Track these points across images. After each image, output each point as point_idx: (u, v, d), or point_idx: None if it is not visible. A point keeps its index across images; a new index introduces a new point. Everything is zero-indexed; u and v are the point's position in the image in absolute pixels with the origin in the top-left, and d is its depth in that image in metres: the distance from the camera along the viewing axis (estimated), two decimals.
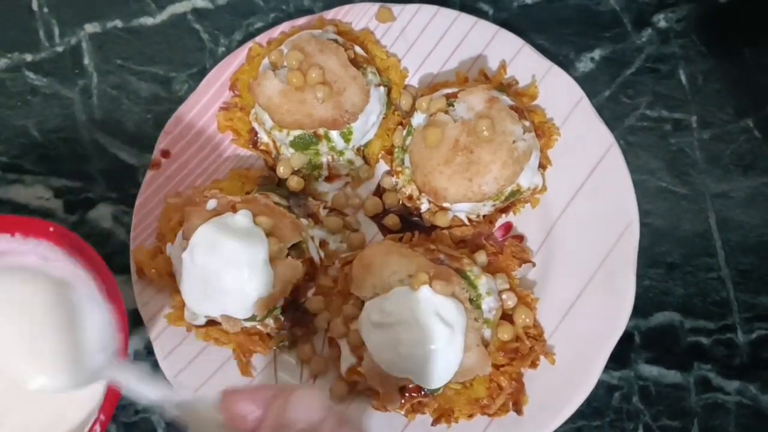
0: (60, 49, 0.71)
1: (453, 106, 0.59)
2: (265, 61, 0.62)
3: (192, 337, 0.58)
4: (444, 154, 0.58)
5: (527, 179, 0.59)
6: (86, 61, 0.71)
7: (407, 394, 0.55)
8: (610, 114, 0.65)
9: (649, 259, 0.61)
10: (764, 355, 0.59)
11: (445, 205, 0.60)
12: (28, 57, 0.71)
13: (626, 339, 0.58)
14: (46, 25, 0.72)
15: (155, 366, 0.58)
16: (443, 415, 0.55)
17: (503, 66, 0.64)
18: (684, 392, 0.58)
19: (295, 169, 0.62)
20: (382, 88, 0.63)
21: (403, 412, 0.56)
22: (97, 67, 0.71)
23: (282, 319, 0.58)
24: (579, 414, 0.55)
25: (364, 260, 0.57)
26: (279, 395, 0.33)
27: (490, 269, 0.58)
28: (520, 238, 0.61)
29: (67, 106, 0.69)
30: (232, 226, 0.54)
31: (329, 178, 0.64)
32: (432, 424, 0.56)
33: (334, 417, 0.32)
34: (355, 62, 0.61)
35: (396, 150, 0.63)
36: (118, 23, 0.72)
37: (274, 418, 0.33)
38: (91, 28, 0.72)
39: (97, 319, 0.45)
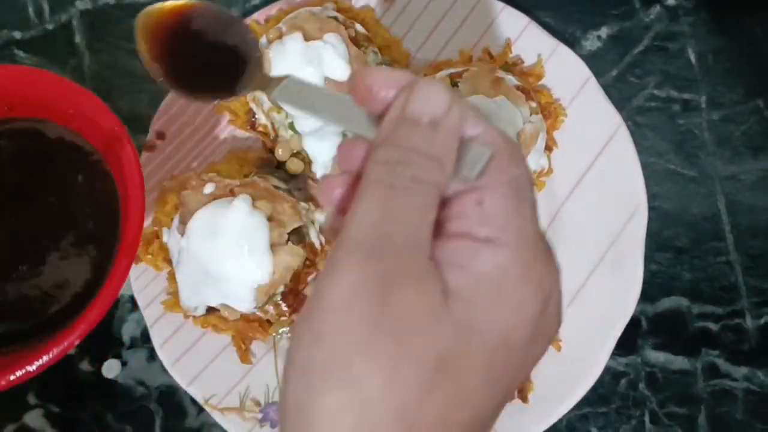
0: (50, 26, 0.69)
1: (457, 86, 0.58)
2: (263, 39, 0.60)
3: (189, 323, 0.57)
4: None
5: (534, 161, 0.57)
6: (77, 39, 0.69)
7: None
8: (618, 94, 0.63)
9: (656, 244, 0.60)
10: None
11: None
12: (18, 35, 0.69)
13: (633, 325, 0.57)
14: (36, 2, 0.70)
15: (153, 353, 0.57)
16: None
17: (508, 44, 0.62)
18: (691, 378, 0.57)
19: (295, 151, 0.61)
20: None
21: None
22: (89, 46, 0.68)
23: (282, 305, 0.57)
24: (585, 401, 0.55)
25: None
26: (405, 87, 0.31)
27: None
28: None
29: None
30: (231, 211, 0.53)
31: None
32: None
33: (459, 109, 0.30)
34: (355, 41, 0.59)
35: None
36: (110, 0, 0.70)
37: (400, 108, 0.30)
38: (82, 5, 0.70)
39: None
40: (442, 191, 0.29)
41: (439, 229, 0.30)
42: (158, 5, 0.46)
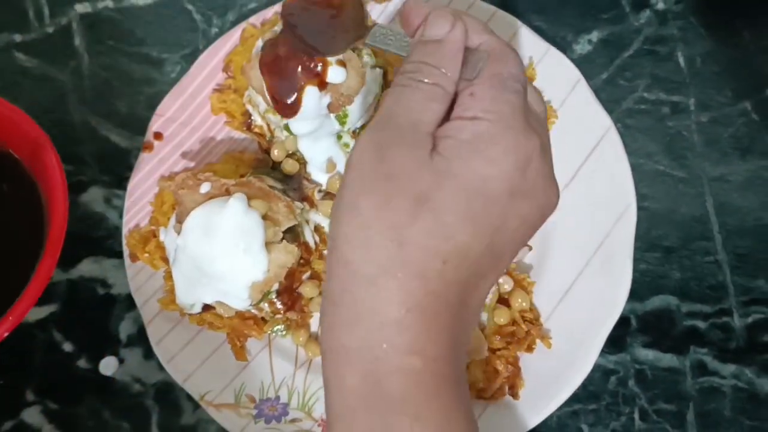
0: (50, 29, 0.70)
1: None
2: (259, 42, 0.61)
3: (185, 321, 0.58)
4: None
5: None
6: (77, 42, 0.70)
7: None
8: (608, 96, 0.64)
9: (645, 243, 0.61)
10: (760, 339, 0.59)
11: None
12: (18, 38, 0.70)
13: (622, 323, 0.57)
14: (36, 5, 0.71)
15: (149, 351, 0.58)
16: None
17: None
18: (680, 376, 0.58)
19: (290, 152, 0.62)
20: (378, 70, 0.62)
21: None
22: (88, 48, 0.69)
23: (277, 303, 0.58)
24: (575, 397, 0.55)
25: None
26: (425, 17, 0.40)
27: None
28: None
29: (57, 88, 0.68)
30: (227, 209, 0.54)
31: None
32: None
33: (461, 27, 0.39)
34: None
35: None
36: (109, 3, 0.71)
37: (419, 34, 0.40)
38: (81, 8, 0.71)
39: None
40: (447, 92, 0.38)
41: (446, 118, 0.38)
42: None
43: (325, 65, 0.56)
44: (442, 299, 0.35)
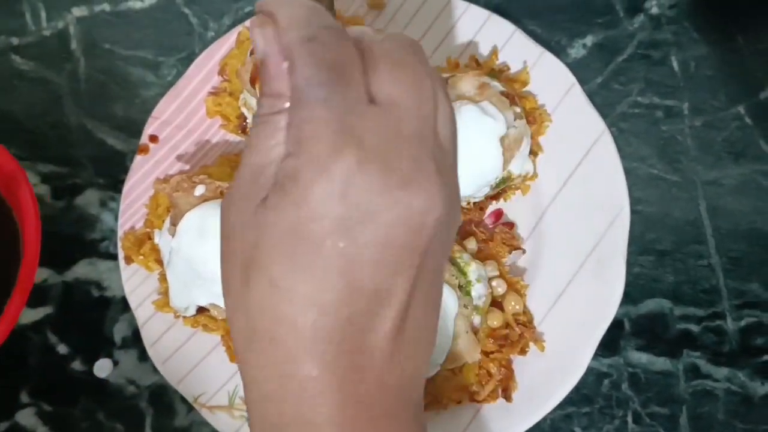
0: (47, 32, 0.71)
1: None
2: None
3: (180, 323, 0.58)
4: None
5: (518, 166, 0.58)
6: (73, 45, 0.70)
7: None
8: (602, 100, 0.64)
9: (639, 247, 0.61)
10: (753, 343, 0.59)
11: None
12: (15, 41, 0.70)
13: (616, 326, 0.58)
14: (33, 9, 0.71)
15: (143, 353, 0.58)
16: (432, 401, 0.55)
17: (495, 52, 0.64)
18: (673, 379, 0.58)
19: None
20: None
21: None
22: (85, 52, 0.70)
23: None
24: (568, 401, 0.55)
25: None
26: None
27: (480, 256, 0.58)
28: (511, 224, 0.61)
29: (54, 91, 0.68)
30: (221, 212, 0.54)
31: None
32: None
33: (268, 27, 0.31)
34: None
35: None
36: (106, 7, 0.71)
37: None
38: (78, 11, 0.71)
39: None
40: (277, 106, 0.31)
41: None
42: None
43: None
44: (316, 362, 0.28)
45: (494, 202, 0.61)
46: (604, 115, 0.61)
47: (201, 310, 0.57)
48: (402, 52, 0.31)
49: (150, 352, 0.58)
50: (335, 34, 0.30)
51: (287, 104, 0.30)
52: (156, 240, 0.59)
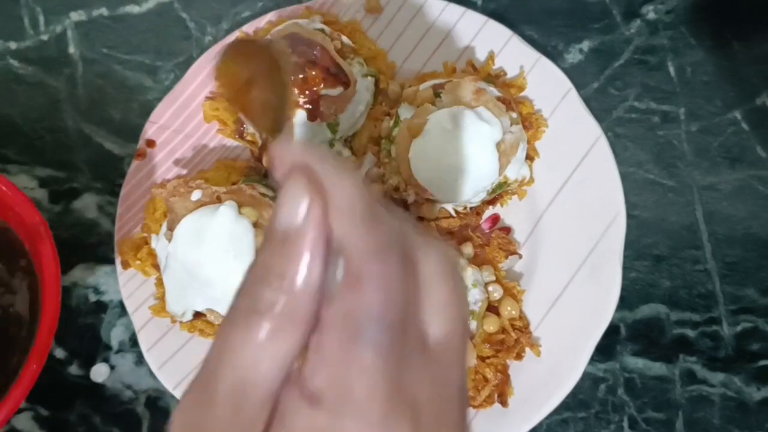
0: (45, 37, 0.71)
1: (440, 97, 0.59)
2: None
3: (176, 328, 0.58)
4: None
5: (514, 171, 0.58)
6: (71, 49, 0.70)
7: None
8: (598, 106, 0.64)
9: (635, 252, 0.61)
10: (749, 348, 0.59)
11: (431, 197, 0.59)
12: (13, 45, 0.70)
13: (612, 331, 0.58)
14: (31, 13, 0.71)
15: (140, 357, 0.58)
16: None
17: (491, 57, 0.64)
18: (669, 384, 0.58)
19: None
20: (369, 79, 0.62)
21: None
22: (83, 56, 0.70)
23: None
24: (564, 406, 0.56)
25: None
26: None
27: (477, 261, 0.58)
28: (507, 229, 0.61)
29: (51, 95, 0.68)
30: (217, 217, 0.54)
31: None
32: None
33: (316, 215, 0.25)
34: (342, 53, 0.61)
35: (383, 141, 0.62)
36: (104, 11, 0.71)
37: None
38: (76, 16, 0.71)
39: None
40: (297, 314, 0.25)
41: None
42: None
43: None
44: None
45: (491, 207, 0.61)
46: (600, 120, 0.61)
47: (198, 315, 0.57)
48: (449, 277, 0.26)
49: (147, 356, 0.58)
50: (397, 241, 0.25)
51: (296, 298, 0.24)
52: (153, 244, 0.59)
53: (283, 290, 0.24)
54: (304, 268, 0.24)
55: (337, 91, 0.58)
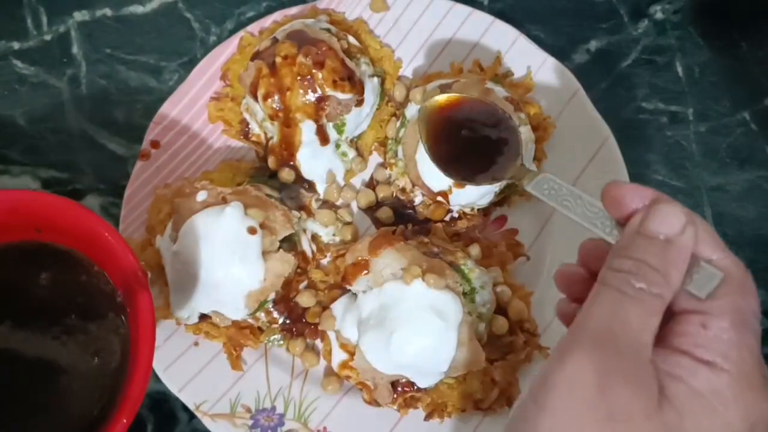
0: (48, 37, 0.70)
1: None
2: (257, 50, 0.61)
3: (181, 330, 0.58)
4: None
5: None
6: (75, 49, 0.70)
7: (399, 389, 0.54)
8: (606, 106, 0.64)
9: None
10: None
11: (438, 198, 0.59)
12: (16, 45, 0.70)
13: None
14: (34, 13, 0.71)
15: None
16: (436, 409, 0.55)
17: (498, 57, 0.63)
18: None
19: None
20: (375, 79, 0.62)
21: (395, 407, 0.55)
22: (86, 56, 0.69)
23: (274, 313, 0.57)
24: None
25: (356, 253, 0.56)
26: (649, 204, 0.35)
27: (484, 263, 0.58)
28: (515, 231, 0.60)
29: (55, 96, 0.68)
30: (224, 218, 0.54)
31: None
32: (425, 419, 0.55)
33: (693, 231, 0.34)
34: (348, 52, 0.60)
35: (389, 142, 0.62)
36: (108, 11, 0.71)
37: (638, 224, 0.35)
38: (79, 16, 0.71)
39: None
40: (666, 302, 0.34)
41: (662, 338, 0.34)
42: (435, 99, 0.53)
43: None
44: None
45: (498, 208, 0.61)
46: (608, 120, 0.61)
47: (203, 317, 0.57)
48: None
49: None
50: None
51: (668, 288, 0.33)
52: (157, 245, 0.58)
53: (658, 281, 0.33)
54: (684, 267, 0.34)
55: (347, 96, 0.58)
